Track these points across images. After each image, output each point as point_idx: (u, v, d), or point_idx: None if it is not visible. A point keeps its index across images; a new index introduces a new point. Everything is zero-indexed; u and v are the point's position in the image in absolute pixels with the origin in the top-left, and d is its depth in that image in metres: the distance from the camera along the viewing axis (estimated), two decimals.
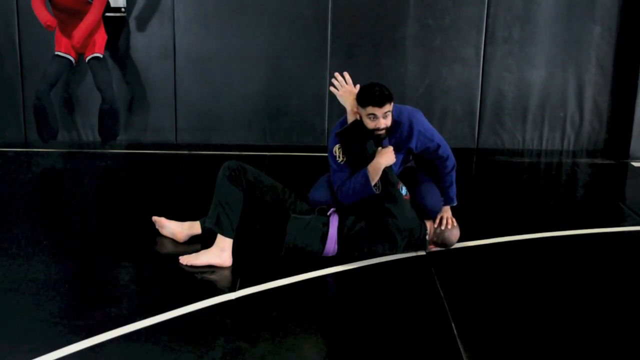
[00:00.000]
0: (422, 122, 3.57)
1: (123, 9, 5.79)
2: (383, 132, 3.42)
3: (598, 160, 5.84)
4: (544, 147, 6.11)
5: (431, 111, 6.04)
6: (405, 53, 5.95)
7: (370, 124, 3.39)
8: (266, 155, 5.66)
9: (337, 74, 3.55)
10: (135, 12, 5.86)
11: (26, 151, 5.82)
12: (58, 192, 4.92)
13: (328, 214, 3.41)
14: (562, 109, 6.07)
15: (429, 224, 3.52)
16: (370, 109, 3.36)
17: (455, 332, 2.78)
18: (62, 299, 3.04)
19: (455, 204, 3.70)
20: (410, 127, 3.52)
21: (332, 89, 3.56)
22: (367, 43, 5.94)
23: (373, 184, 3.37)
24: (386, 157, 3.40)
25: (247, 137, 6.05)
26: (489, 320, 2.92)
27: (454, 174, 3.68)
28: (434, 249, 3.54)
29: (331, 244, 3.37)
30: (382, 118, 3.38)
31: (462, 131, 6.08)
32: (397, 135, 3.52)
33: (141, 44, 5.93)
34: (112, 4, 5.71)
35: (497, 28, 5.89)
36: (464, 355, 2.62)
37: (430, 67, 5.98)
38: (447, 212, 3.63)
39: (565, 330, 2.84)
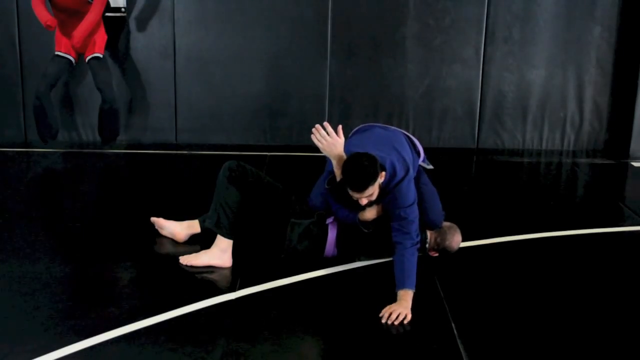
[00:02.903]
0: (405, 197, 3.22)
1: (123, 9, 5.79)
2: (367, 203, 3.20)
3: (598, 160, 5.84)
4: (544, 147, 6.11)
5: (431, 111, 6.05)
6: (405, 53, 5.94)
7: (353, 197, 3.16)
8: (266, 155, 5.66)
9: (317, 126, 3.17)
10: (135, 12, 5.86)
11: (26, 151, 5.81)
12: (58, 192, 4.92)
13: (327, 222, 3.40)
14: (562, 109, 6.07)
15: (429, 231, 3.49)
16: (350, 192, 3.12)
17: (455, 332, 2.78)
18: (62, 299, 3.04)
19: (411, 288, 3.00)
20: (394, 199, 3.23)
21: (315, 141, 3.20)
22: (367, 43, 5.94)
23: (364, 228, 3.35)
24: (371, 214, 3.35)
25: (247, 137, 6.05)
26: (489, 320, 2.92)
27: (413, 253, 3.14)
28: (434, 254, 3.52)
29: (330, 248, 3.38)
30: (365, 198, 3.13)
31: (462, 131, 6.08)
32: (385, 200, 3.30)
33: (141, 44, 5.93)
34: (112, 4, 5.71)
35: (497, 28, 5.89)
36: (464, 355, 2.62)
37: (430, 67, 5.98)
38: (398, 305, 2.93)
39: (565, 330, 2.84)
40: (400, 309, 2.88)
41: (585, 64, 5.97)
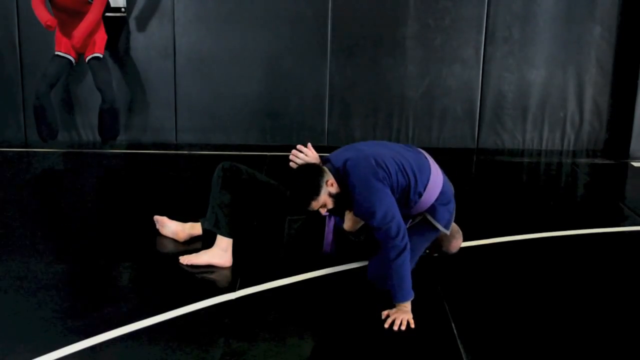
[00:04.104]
0: (362, 192, 2.92)
1: (123, 9, 5.79)
2: (327, 213, 3.13)
3: (598, 160, 5.84)
4: (544, 147, 6.11)
5: (431, 111, 6.05)
6: (405, 53, 5.95)
7: None
8: (266, 155, 5.66)
9: (299, 147, 3.11)
10: (135, 12, 5.86)
11: (26, 151, 5.82)
12: (58, 192, 4.92)
13: (324, 214, 3.40)
14: (562, 109, 6.07)
15: None
16: None
17: (455, 332, 2.78)
18: (62, 299, 3.04)
19: (404, 301, 2.88)
20: (358, 205, 2.99)
21: (292, 165, 3.13)
22: (367, 43, 5.94)
23: (353, 237, 3.33)
24: (347, 222, 3.29)
25: (247, 137, 6.05)
26: (489, 320, 2.92)
27: (401, 263, 2.88)
28: (434, 254, 3.52)
29: (327, 245, 3.38)
30: (320, 209, 3.02)
31: (462, 131, 6.08)
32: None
33: (141, 44, 5.93)
34: (112, 4, 5.71)
35: (497, 28, 5.89)
36: (464, 355, 2.62)
37: (430, 67, 5.98)
38: (397, 311, 2.87)
39: (565, 330, 2.84)
40: (402, 315, 2.84)
41: (585, 64, 5.97)
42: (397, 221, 2.89)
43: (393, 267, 2.87)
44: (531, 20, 5.88)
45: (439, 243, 3.43)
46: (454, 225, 3.44)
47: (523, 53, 5.94)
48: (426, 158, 3.20)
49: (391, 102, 6.03)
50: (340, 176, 2.98)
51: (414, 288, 2.89)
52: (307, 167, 3.01)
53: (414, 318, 2.84)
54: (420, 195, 3.10)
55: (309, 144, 3.15)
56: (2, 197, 4.58)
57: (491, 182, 5.24)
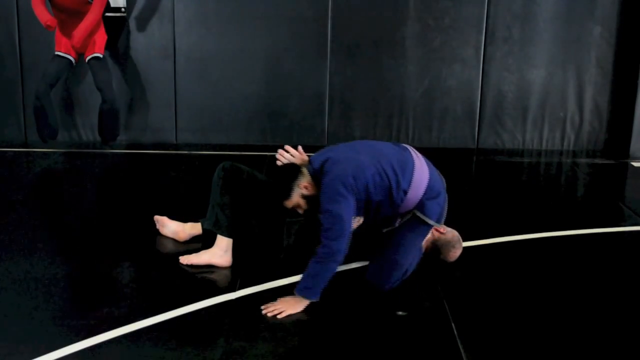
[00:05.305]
0: (326, 191, 2.95)
1: (123, 9, 5.79)
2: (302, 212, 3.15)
3: (598, 160, 5.84)
4: (544, 147, 6.11)
5: (431, 111, 6.05)
6: (405, 53, 5.95)
7: None
8: (266, 155, 5.65)
9: (286, 147, 3.23)
10: (135, 12, 5.86)
11: (26, 151, 5.82)
12: (58, 192, 4.92)
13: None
14: (562, 109, 6.07)
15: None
16: None
17: (455, 332, 2.78)
18: (62, 299, 3.04)
19: (302, 295, 2.91)
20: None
21: (278, 164, 3.23)
22: (367, 43, 5.94)
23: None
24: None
25: (247, 137, 6.05)
26: (489, 320, 2.92)
27: (324, 266, 2.92)
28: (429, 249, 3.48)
29: None
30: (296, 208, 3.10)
31: (462, 131, 6.08)
32: None
33: (141, 44, 5.93)
34: (112, 4, 5.71)
35: (497, 28, 5.89)
36: (464, 355, 2.62)
37: (430, 67, 5.98)
38: (287, 301, 2.93)
39: (565, 330, 2.84)
40: (285, 306, 2.89)
41: (585, 64, 5.97)
42: (342, 227, 2.89)
43: (314, 262, 2.91)
44: (531, 20, 5.88)
45: (439, 250, 3.41)
46: (455, 234, 3.42)
47: (523, 53, 5.94)
48: (411, 155, 3.16)
49: (391, 102, 6.04)
50: (318, 177, 3.02)
51: (413, 288, 2.89)
52: (284, 169, 3.10)
53: (414, 316, 2.84)
54: (406, 192, 3.07)
55: (299, 147, 3.21)
56: (2, 197, 4.58)
57: (491, 182, 5.24)
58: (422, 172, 3.11)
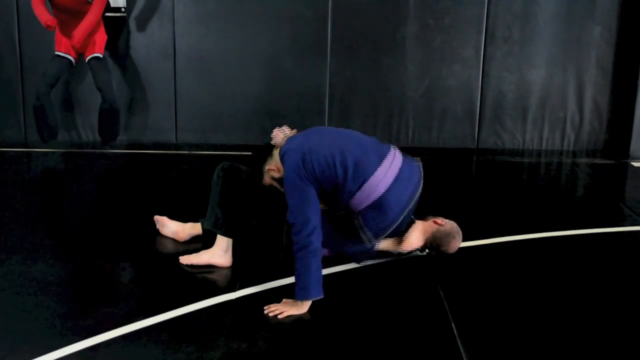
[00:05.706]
0: (286, 183, 2.99)
1: (123, 9, 5.79)
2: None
3: (598, 160, 5.84)
4: (544, 147, 6.11)
5: (431, 111, 6.06)
6: (405, 53, 5.95)
7: None
8: None
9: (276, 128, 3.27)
10: (135, 12, 5.86)
11: (26, 151, 5.82)
12: (58, 192, 4.92)
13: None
14: (562, 109, 6.07)
15: (421, 224, 3.45)
16: None
17: (455, 332, 2.78)
18: (62, 299, 3.04)
19: (301, 299, 2.89)
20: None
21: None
22: (367, 43, 5.94)
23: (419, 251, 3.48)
24: (390, 244, 3.42)
25: (247, 137, 6.05)
26: (489, 320, 2.92)
27: (301, 258, 2.89)
28: (432, 253, 3.49)
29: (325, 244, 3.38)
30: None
31: (462, 131, 6.09)
32: None
33: (141, 44, 5.93)
34: (112, 4, 5.71)
35: (497, 28, 5.89)
36: (464, 355, 2.62)
37: (430, 67, 5.98)
38: (288, 303, 2.91)
39: (565, 330, 2.84)
40: (287, 308, 2.87)
41: (585, 64, 5.98)
42: (304, 219, 2.89)
43: (295, 262, 2.90)
44: (531, 20, 5.88)
45: (438, 243, 3.42)
46: (454, 225, 3.42)
47: (523, 53, 5.95)
48: (382, 162, 3.06)
49: (391, 102, 6.04)
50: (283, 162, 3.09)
51: (414, 287, 2.88)
52: (256, 151, 3.24)
53: (414, 316, 2.84)
54: (352, 194, 3.04)
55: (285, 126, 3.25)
56: (2, 197, 4.58)
57: (491, 182, 5.24)
58: (381, 181, 3.04)
